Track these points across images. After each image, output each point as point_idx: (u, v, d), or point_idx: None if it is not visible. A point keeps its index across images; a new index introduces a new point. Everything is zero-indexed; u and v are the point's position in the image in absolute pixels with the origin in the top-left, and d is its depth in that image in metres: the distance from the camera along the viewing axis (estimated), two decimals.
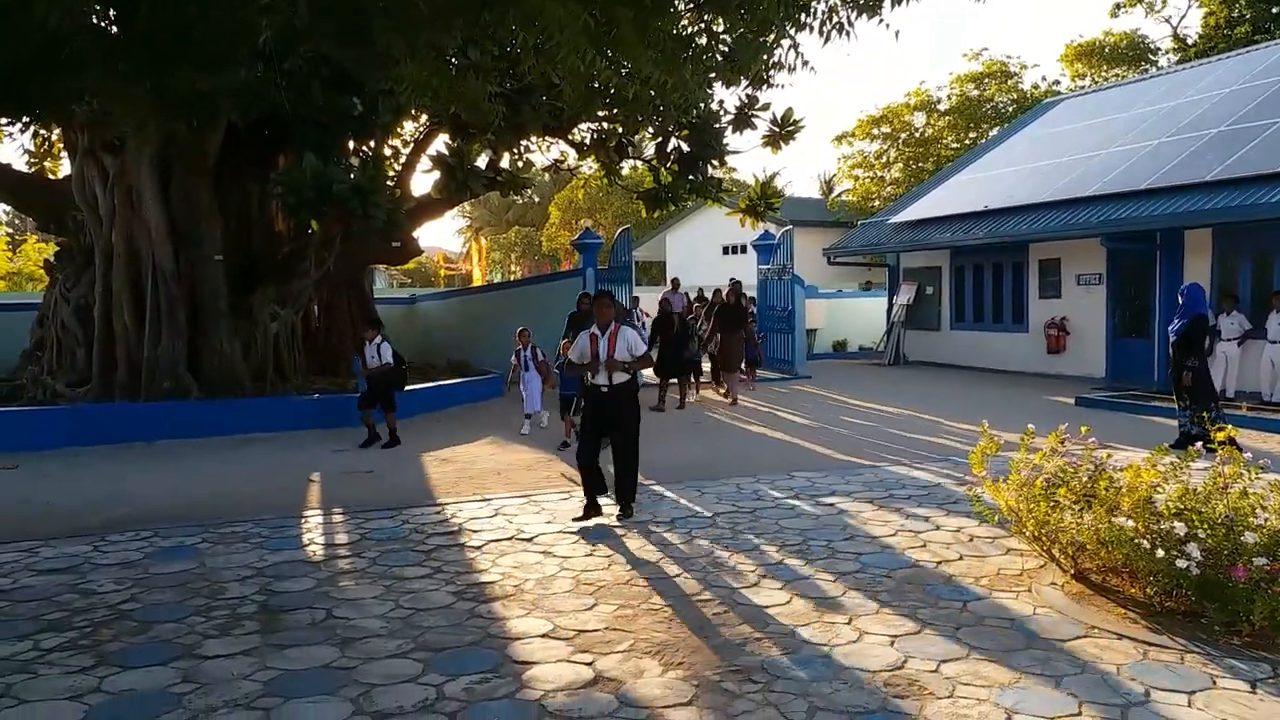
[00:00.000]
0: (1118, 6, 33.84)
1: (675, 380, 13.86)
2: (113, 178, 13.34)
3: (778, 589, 5.66)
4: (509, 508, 7.87)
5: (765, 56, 5.22)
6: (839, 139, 36.59)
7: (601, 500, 7.40)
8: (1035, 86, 34.08)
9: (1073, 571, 5.63)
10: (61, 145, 15.79)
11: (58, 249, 15.48)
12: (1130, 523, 5.05)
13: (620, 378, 7.22)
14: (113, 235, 13.42)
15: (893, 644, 4.77)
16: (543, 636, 4.94)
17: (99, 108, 9.06)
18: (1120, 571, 5.34)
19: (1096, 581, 5.52)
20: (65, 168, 15.61)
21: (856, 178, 36.30)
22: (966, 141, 33.11)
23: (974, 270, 19.81)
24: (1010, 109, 32.94)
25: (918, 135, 34.92)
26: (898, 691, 4.21)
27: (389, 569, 6.18)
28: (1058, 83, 34.49)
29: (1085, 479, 5.62)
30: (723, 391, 14.64)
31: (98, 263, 13.67)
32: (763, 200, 15.18)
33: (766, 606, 5.36)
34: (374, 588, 5.80)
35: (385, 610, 5.38)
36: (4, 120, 14.25)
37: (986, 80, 34.28)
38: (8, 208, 33.31)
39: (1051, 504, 5.53)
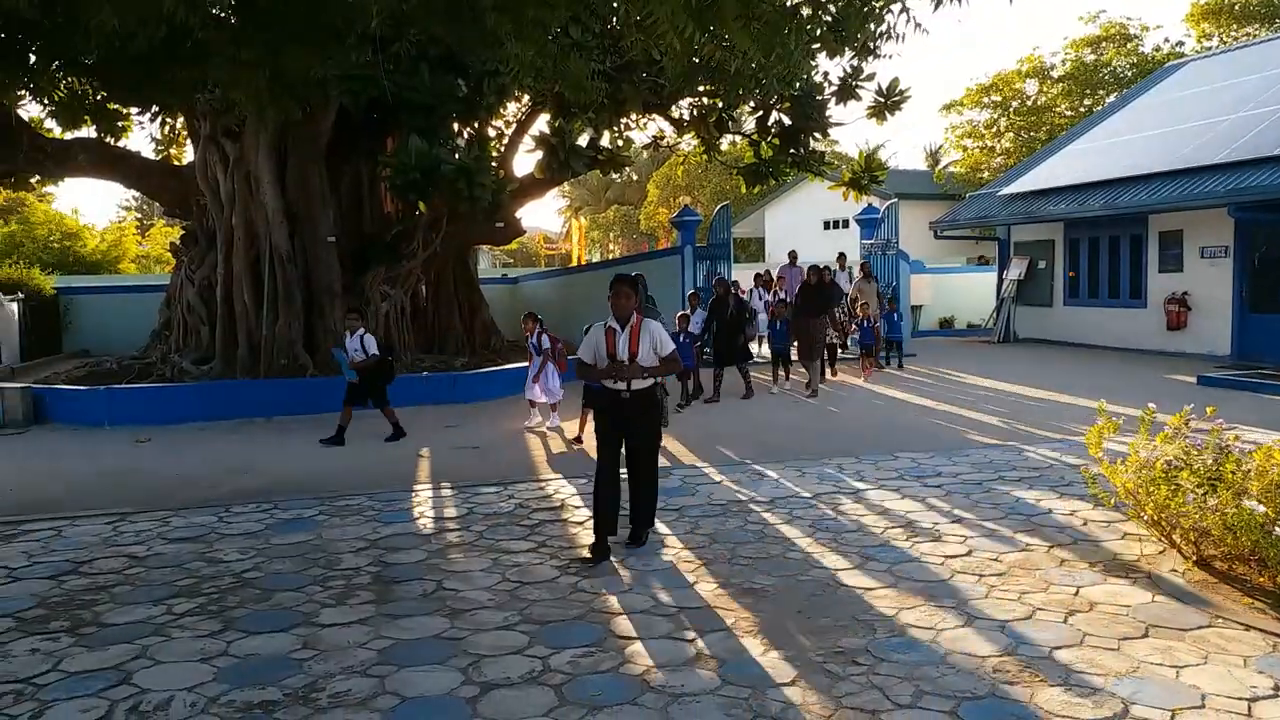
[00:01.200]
0: None
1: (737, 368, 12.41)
2: (232, 163, 13.91)
3: (882, 571, 5.59)
4: None
5: (873, 25, 5.09)
6: (947, 108, 35.54)
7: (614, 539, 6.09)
8: (1157, 49, 32.33)
9: (1194, 558, 5.39)
10: (186, 133, 16.52)
11: (183, 233, 16.23)
12: (1261, 507, 4.80)
13: (641, 383, 5.95)
14: (233, 219, 14.02)
15: (1002, 629, 4.66)
16: (644, 613, 4.99)
17: (220, 95, 9.45)
18: (1248, 559, 5.09)
19: (1221, 569, 5.28)
20: (189, 154, 16.33)
21: (965, 148, 35.19)
22: (1082, 109, 31.70)
23: (1089, 243, 19.00)
24: (1130, 74, 31.35)
25: (1030, 103, 33.61)
26: (1007, 678, 4.12)
27: (495, 542, 6.33)
28: (1181, 44, 32.67)
29: (1210, 462, 5.37)
30: (805, 382, 13.07)
31: (219, 245, 14.31)
32: (866, 173, 14.86)
33: (871, 589, 5.29)
34: (481, 560, 5.95)
35: (492, 583, 5.51)
36: (133, 109, 14.97)
37: (1104, 44, 32.69)
38: (137, 193, 35.05)
39: (1173, 487, 5.30)
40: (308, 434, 10.60)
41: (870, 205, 19.40)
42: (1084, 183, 18.20)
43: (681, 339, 10.88)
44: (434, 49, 10.57)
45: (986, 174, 31.57)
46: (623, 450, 6.12)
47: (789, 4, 4.76)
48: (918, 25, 5.17)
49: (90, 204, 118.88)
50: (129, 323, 17.76)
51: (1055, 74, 33.25)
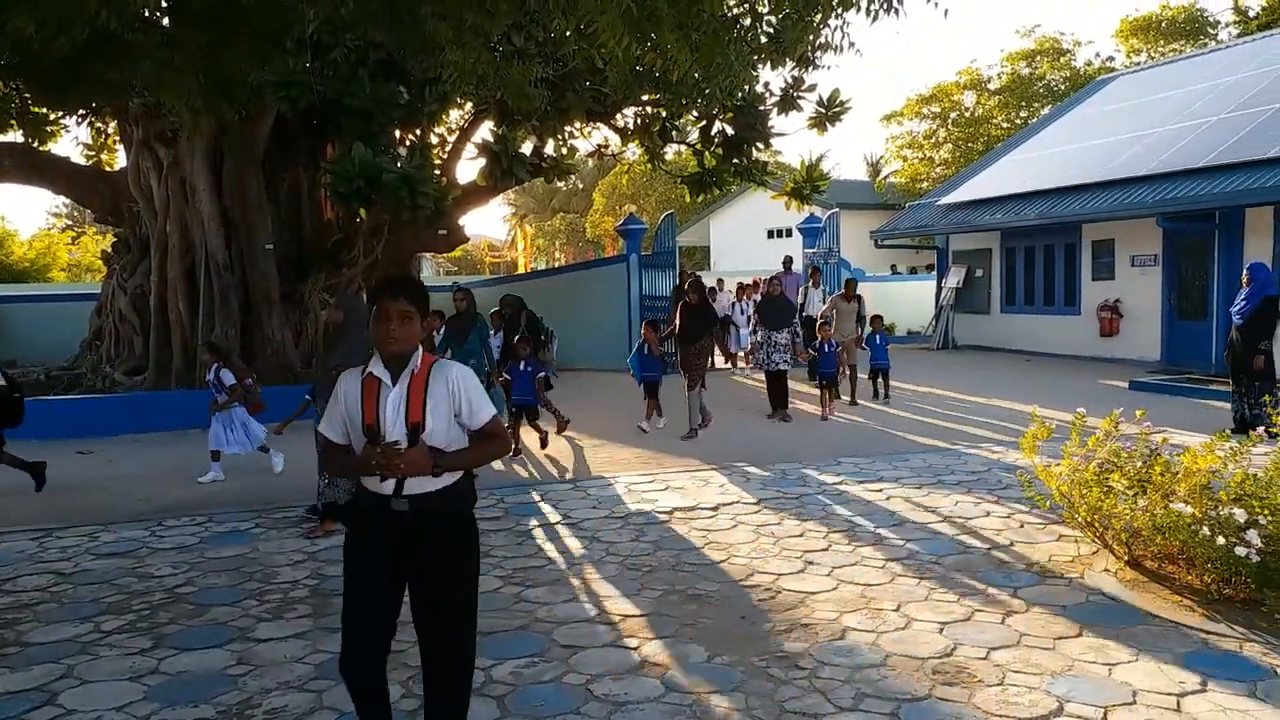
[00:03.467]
0: None
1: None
2: (166, 169, 13.62)
3: (824, 575, 5.63)
4: (554, 493, 7.91)
5: (811, 37, 5.15)
6: (887, 118, 36.18)
7: None
8: (1089, 63, 33.34)
9: (1127, 558, 5.51)
10: (118, 138, 16.12)
11: (114, 240, 15.83)
12: (1188, 508, 4.93)
13: (432, 482, 3.16)
14: (167, 225, 13.72)
15: (941, 630, 4.72)
16: (588, 621, 4.96)
17: (152, 99, 9.23)
18: (1176, 559, 5.22)
19: (1152, 569, 5.41)
20: (121, 160, 15.94)
21: (905, 158, 35.86)
22: (1018, 121, 32.50)
23: (1025, 252, 19.44)
24: (1063, 87, 32.24)
25: (968, 115, 34.35)
26: (946, 679, 4.17)
27: None
28: (1112, 59, 33.72)
29: (1140, 464, 5.51)
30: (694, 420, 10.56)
31: (153, 253, 13.99)
32: (808, 183, 15.02)
33: (813, 592, 5.33)
34: None
35: None
36: (61, 114, 14.56)
37: (1039, 58, 33.60)
38: (67, 200, 34.12)
39: (1105, 489, 5.42)
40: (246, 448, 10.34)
41: (812, 215, 19.62)
42: (1019, 193, 18.63)
43: (646, 351, 10.70)
44: (374, 55, 10.47)
45: (926, 184, 32.18)
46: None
47: (728, 15, 4.80)
48: (851, 44, 5.26)
49: (18, 210, 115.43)
50: (59, 332, 17.24)
51: (992, 86, 34.04)
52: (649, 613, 5.07)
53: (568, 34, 4.93)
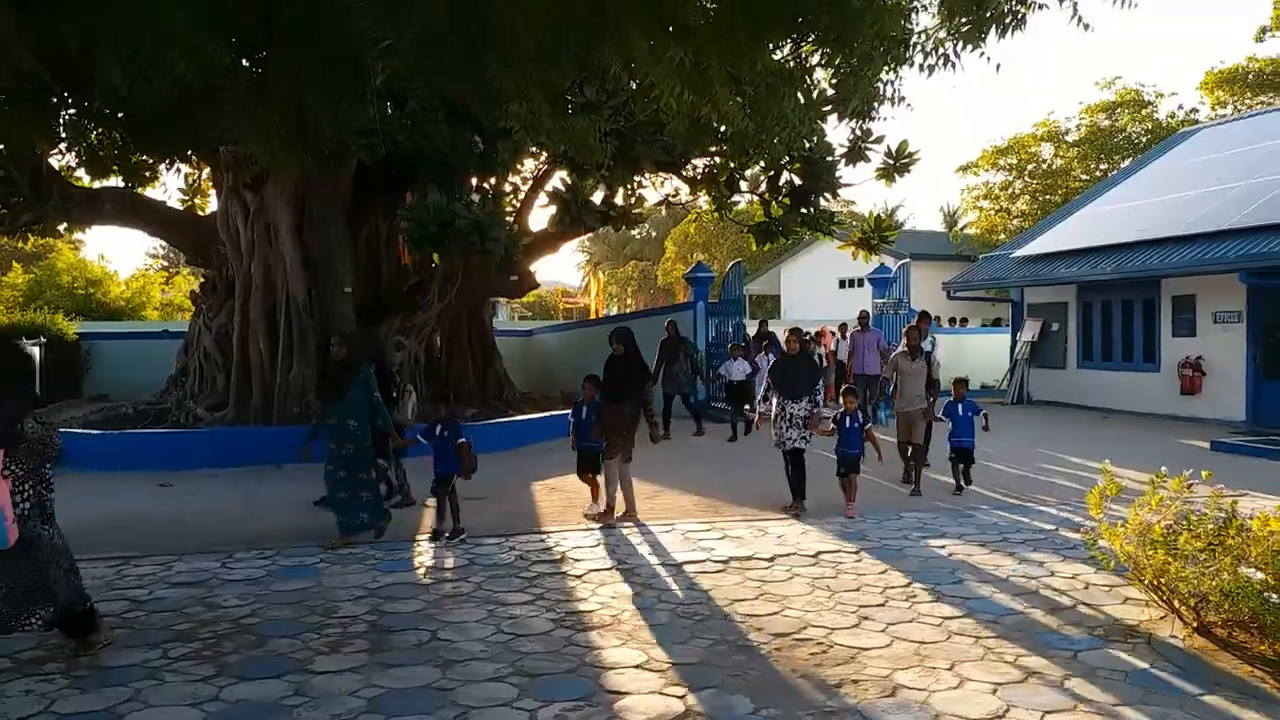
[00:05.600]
0: (1263, 30, 32.14)
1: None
2: (253, 214, 14.19)
3: (878, 631, 5.55)
4: (610, 538, 7.95)
5: (866, 92, 5.22)
6: (963, 169, 35.86)
7: None
8: (1172, 116, 32.63)
9: (1195, 624, 5.33)
10: (210, 184, 16.89)
11: (202, 281, 16.50)
12: (1259, 574, 4.76)
13: None
14: (251, 268, 14.26)
15: (995, 691, 4.62)
16: (636, 667, 4.98)
17: (238, 150, 9.72)
18: (1247, 626, 5.04)
19: (1221, 636, 5.22)
20: (213, 204, 16.67)
21: (981, 209, 35.44)
22: (1097, 173, 31.93)
23: (1102, 306, 19.00)
24: (1144, 139, 31.61)
25: (1045, 167, 33.87)
26: None
27: (493, 594, 6.33)
28: (1196, 111, 32.95)
29: (1212, 526, 5.34)
30: (598, 504, 8.95)
31: (237, 294, 14.54)
32: (876, 233, 14.99)
33: (866, 648, 5.26)
34: (478, 611, 5.95)
35: (487, 634, 5.52)
36: (155, 160, 15.34)
37: (1119, 110, 33.03)
38: (162, 242, 35.66)
39: (1172, 552, 5.26)
40: (316, 482, 10.62)
41: (883, 265, 19.53)
42: (1097, 246, 18.27)
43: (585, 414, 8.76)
44: (449, 107, 10.82)
45: (1003, 236, 31.72)
46: None
47: (784, 70, 4.89)
48: (903, 98, 5.32)
49: (119, 251, 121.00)
50: (148, 368, 17.94)
51: (1070, 138, 33.55)
52: (697, 662, 5.06)
53: (624, 86, 5.06)
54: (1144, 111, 32.99)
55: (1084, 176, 32.52)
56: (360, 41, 4.43)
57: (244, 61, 5.03)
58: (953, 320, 28.08)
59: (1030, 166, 33.91)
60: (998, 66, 5.54)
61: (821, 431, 8.92)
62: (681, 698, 4.58)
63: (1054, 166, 33.75)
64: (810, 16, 4.24)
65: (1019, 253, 20.75)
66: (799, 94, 4.88)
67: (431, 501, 8.38)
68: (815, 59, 5.44)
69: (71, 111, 6.09)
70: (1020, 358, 20.69)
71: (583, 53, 3.94)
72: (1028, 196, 33.98)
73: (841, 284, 36.42)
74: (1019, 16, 5.13)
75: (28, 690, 4.65)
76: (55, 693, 4.62)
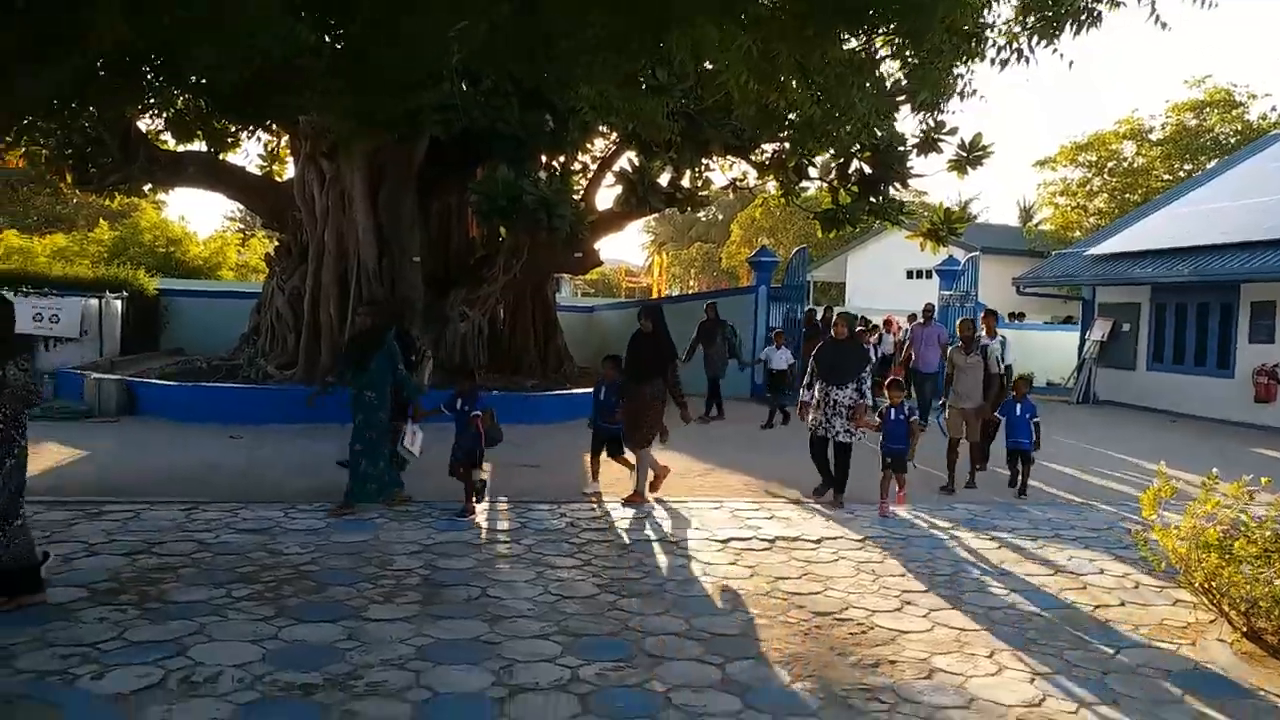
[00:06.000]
0: None
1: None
2: (328, 181, 14.56)
3: (920, 616, 5.59)
4: (659, 512, 8.07)
5: (936, 84, 5.19)
6: (1040, 164, 35.06)
7: None
8: (1263, 118, 31.48)
9: (1245, 630, 5.26)
10: (288, 151, 17.34)
11: (277, 244, 16.98)
12: None
13: None
14: (325, 234, 14.64)
15: (1032, 681, 4.64)
16: (677, 635, 5.09)
17: (316, 120, 9.98)
18: None
19: (1271, 643, 5.15)
20: (290, 171, 17.12)
21: (1057, 205, 34.65)
22: (1180, 174, 30.99)
23: (1176, 309, 18.51)
24: (1233, 141, 30.56)
25: (1126, 165, 32.96)
26: None
27: (542, 557, 6.50)
28: None
29: (1270, 533, 5.26)
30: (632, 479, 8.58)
31: (310, 258, 14.94)
32: (945, 225, 14.80)
33: (906, 631, 5.31)
34: (527, 572, 6.12)
35: (534, 594, 5.68)
36: (238, 128, 15.78)
37: (1207, 109, 31.96)
38: (239, 206, 36.59)
39: (1225, 556, 5.20)
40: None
41: (951, 257, 19.27)
42: (1173, 247, 17.81)
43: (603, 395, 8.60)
44: (522, 86, 10.96)
45: (1079, 233, 31.01)
46: None
47: (853, 60, 4.88)
48: (974, 91, 5.27)
49: (199, 212, 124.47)
50: (223, 326, 18.55)
51: (1154, 137, 32.59)
52: (737, 633, 5.16)
53: (691, 71, 5.10)
54: (1234, 112, 31.89)
55: (1166, 176, 31.59)
56: (433, 26, 4.56)
57: (325, 39, 5.21)
58: (1011, 315, 27.56)
59: (1110, 164, 33.02)
60: (1070, 63, 5.47)
61: (868, 425, 8.41)
62: (719, 666, 4.68)
63: (1135, 165, 32.82)
64: (881, 10, 4.24)
65: (1092, 251, 20.31)
66: (868, 85, 4.88)
67: (488, 465, 8.53)
68: (886, 51, 5.44)
69: (161, 80, 6.37)
70: (1088, 357, 20.27)
71: (650, 40, 4.01)
72: (1106, 194, 33.14)
73: (909, 274, 35.92)
74: (1095, 14, 5.05)
75: (102, 618, 4.94)
76: (127, 621, 4.90)
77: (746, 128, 11.58)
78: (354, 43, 5.07)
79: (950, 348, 10.22)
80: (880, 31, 4.98)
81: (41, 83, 4.26)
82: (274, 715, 3.97)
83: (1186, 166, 31.35)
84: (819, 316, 17.10)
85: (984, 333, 11.04)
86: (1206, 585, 5.41)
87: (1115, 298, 20.07)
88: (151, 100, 11.97)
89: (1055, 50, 5.31)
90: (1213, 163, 28.34)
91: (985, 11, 5.27)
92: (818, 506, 8.47)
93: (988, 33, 5.13)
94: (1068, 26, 5.06)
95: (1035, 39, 5.19)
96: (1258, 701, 4.49)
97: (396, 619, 5.15)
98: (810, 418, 8.64)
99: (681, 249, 62.73)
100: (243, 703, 4.03)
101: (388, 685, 4.29)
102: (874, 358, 14.98)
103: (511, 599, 5.57)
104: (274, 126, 16.03)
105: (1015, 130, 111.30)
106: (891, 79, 5.85)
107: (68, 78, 4.50)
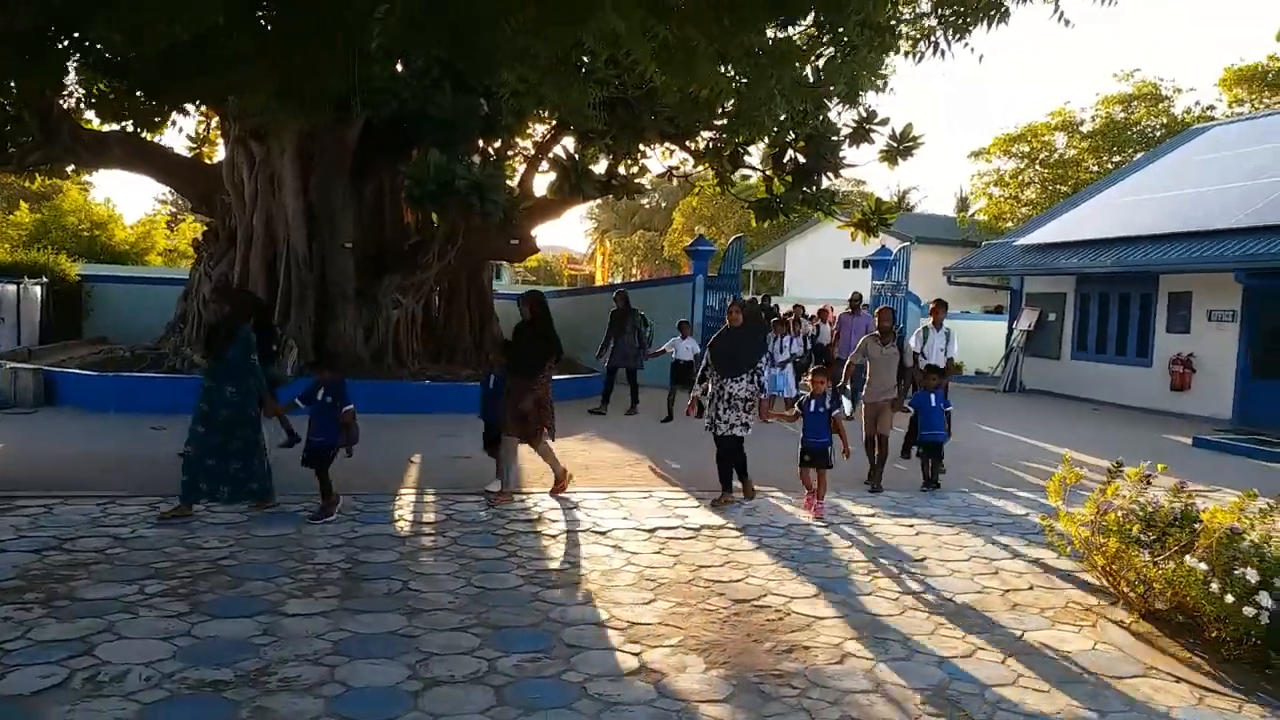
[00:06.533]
0: None
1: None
2: (258, 164, 14.28)
3: (837, 601, 5.71)
4: (589, 501, 8.10)
5: (852, 76, 5.29)
6: (974, 155, 35.72)
7: None
8: (1188, 111, 32.43)
9: (1142, 611, 5.48)
10: (218, 132, 16.95)
11: (205, 229, 16.61)
12: (1203, 565, 4.90)
13: None
14: (254, 218, 14.37)
15: (940, 665, 4.78)
16: (597, 625, 5.14)
17: (235, 102, 9.76)
18: (1191, 613, 5.18)
19: (1166, 624, 5.36)
20: (220, 153, 16.74)
21: (991, 196, 35.34)
22: (1109, 165, 31.79)
23: (1099, 299, 19.06)
24: (1159, 134, 31.44)
25: (1057, 156, 33.74)
26: (934, 710, 4.24)
27: (467, 549, 6.49)
28: (1213, 109, 32.72)
29: (1167, 517, 5.47)
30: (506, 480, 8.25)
31: (239, 243, 14.66)
32: (876, 215, 15.03)
33: (821, 618, 5.42)
34: (450, 565, 6.11)
35: (457, 586, 5.68)
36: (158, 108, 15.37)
37: (1135, 103, 32.83)
38: (170, 189, 35.70)
39: (1125, 540, 5.40)
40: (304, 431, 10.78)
41: (884, 247, 19.56)
42: (1097, 238, 18.31)
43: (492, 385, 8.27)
44: (449, 69, 10.86)
45: (1011, 223, 31.70)
46: None
47: (775, 51, 4.93)
48: (888, 85, 5.36)
49: (129, 195, 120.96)
50: (148, 313, 18.12)
51: (1085, 129, 33.39)
52: (656, 622, 5.22)
53: (602, 62, 5.09)
54: (1160, 106, 32.80)
55: (1095, 168, 32.39)
56: (350, 5, 4.51)
57: (240, 19, 5.10)
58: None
59: (1043, 155, 33.77)
60: (980, 58, 5.60)
61: (779, 416, 8.30)
62: (637, 655, 4.74)
63: (1066, 156, 33.61)
64: (796, 2, 4.30)
65: (1021, 241, 20.79)
66: (787, 76, 4.94)
67: (416, 457, 8.49)
68: (803, 43, 5.51)
69: (73, 59, 6.18)
70: (1015, 346, 20.78)
71: (566, 28, 4.02)
72: (1038, 185, 33.88)
73: (846, 264, 36.37)
74: (1003, 10, 5.17)
75: (6, 617, 4.82)
76: (32, 620, 4.79)
77: (678, 116, 11.61)
78: (268, 21, 4.99)
79: (864, 338, 9.65)
80: (796, 23, 5.05)
81: None
82: (182, 713, 3.92)
83: (1115, 159, 32.17)
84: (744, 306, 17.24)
85: (930, 322, 11.03)
86: (1107, 569, 5.62)
87: (1042, 288, 20.58)
88: (65, 80, 11.64)
89: (967, 44, 5.45)
90: (1139, 155, 29.15)
91: (902, 6, 5.37)
92: (738, 495, 8.57)
93: (902, 27, 5.23)
94: (982, 22, 5.18)
95: (951, 33, 5.30)
96: (1150, 679, 4.68)
97: (314, 613, 5.11)
98: (703, 415, 8.19)
99: (625, 236, 62.66)
100: (149, 701, 3.98)
101: (301, 680, 4.26)
102: (807, 347, 15.25)
103: (432, 592, 5.57)
104: (201, 107, 15.68)
105: (957, 121, 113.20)
106: (813, 70, 5.92)
107: None
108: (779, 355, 13.63)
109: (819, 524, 7.63)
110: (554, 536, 6.96)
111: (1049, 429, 14.31)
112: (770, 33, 5.18)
